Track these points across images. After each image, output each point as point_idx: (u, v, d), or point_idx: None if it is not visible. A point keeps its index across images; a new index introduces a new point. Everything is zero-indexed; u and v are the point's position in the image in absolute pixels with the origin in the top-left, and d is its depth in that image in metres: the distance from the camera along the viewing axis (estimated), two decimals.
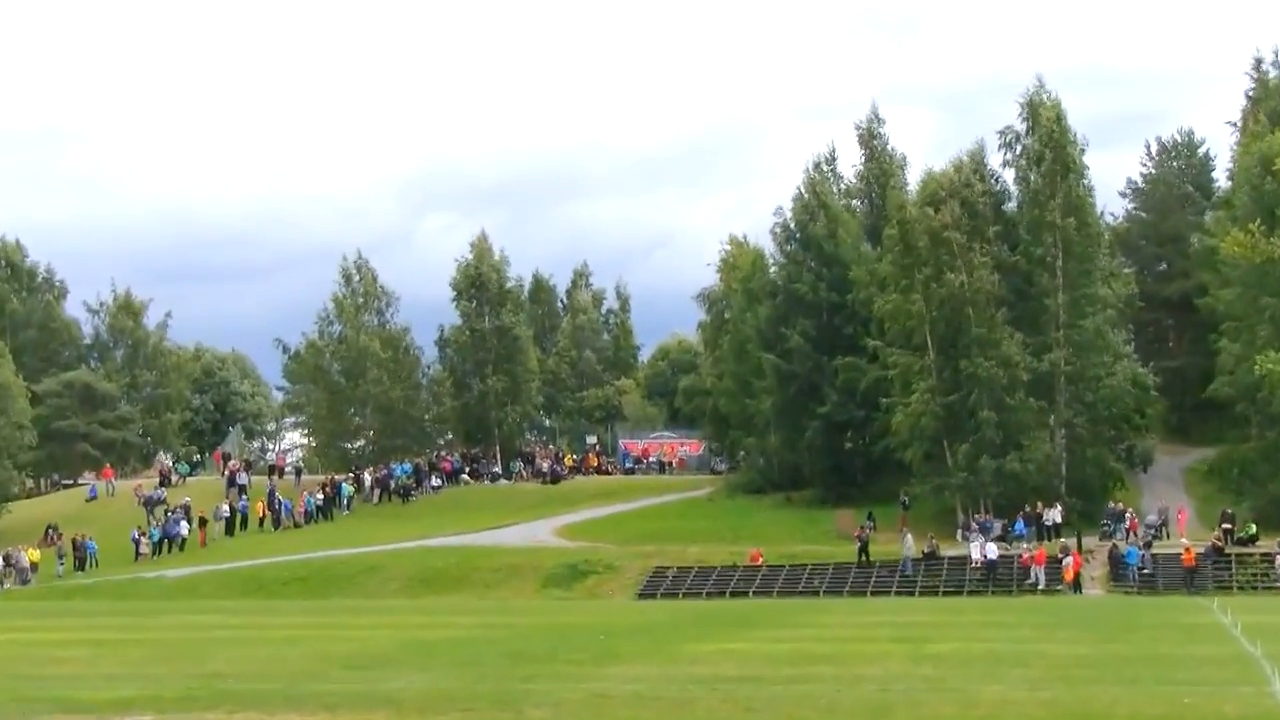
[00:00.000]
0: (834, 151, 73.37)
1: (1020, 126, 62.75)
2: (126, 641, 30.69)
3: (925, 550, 55.33)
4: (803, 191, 70.41)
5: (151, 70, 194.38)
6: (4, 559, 62.13)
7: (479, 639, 30.21)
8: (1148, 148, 79.78)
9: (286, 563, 60.32)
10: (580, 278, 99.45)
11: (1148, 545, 53.56)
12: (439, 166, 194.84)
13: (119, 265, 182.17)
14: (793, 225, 70.35)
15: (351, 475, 75.85)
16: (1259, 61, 70.83)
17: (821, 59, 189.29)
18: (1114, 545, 54.03)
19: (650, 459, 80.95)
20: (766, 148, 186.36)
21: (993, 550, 53.99)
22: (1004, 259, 61.95)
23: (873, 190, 73.37)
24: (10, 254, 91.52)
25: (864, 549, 55.69)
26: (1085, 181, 62.42)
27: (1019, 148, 62.82)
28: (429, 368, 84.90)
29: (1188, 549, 51.71)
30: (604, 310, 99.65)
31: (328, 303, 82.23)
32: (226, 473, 76.39)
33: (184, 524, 66.37)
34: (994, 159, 64.30)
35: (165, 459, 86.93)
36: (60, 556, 63.69)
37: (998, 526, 57.41)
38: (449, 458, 79.38)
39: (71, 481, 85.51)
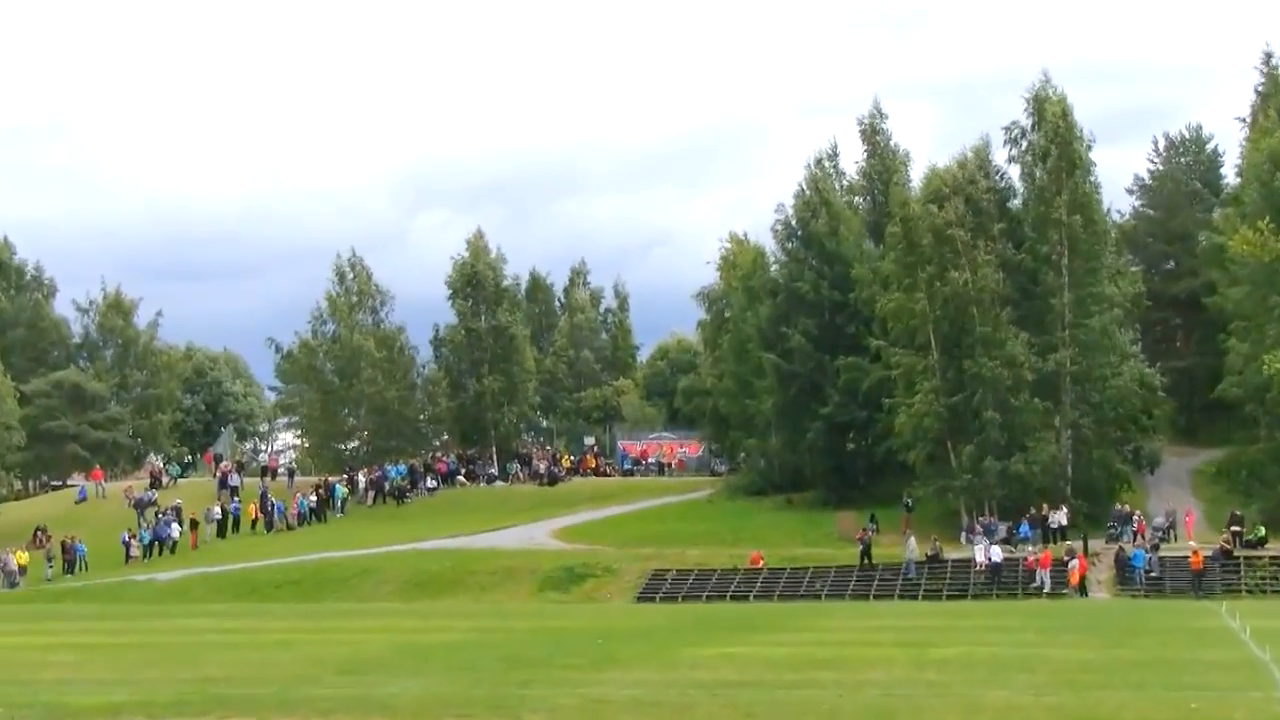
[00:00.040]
0: (836, 147, 73.45)
1: (1026, 122, 62.60)
2: (117, 645, 30.59)
3: (928, 553, 55.00)
4: (804, 188, 70.21)
5: (143, 64, 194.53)
6: None
7: (474, 643, 30.06)
8: (1155, 144, 79.93)
9: (279, 565, 60.08)
10: (578, 276, 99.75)
11: (1155, 548, 53.43)
12: (434, 163, 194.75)
13: (109, 263, 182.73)
14: (794, 222, 70.15)
15: (345, 477, 75.74)
16: (1269, 56, 70.49)
17: (823, 53, 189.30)
18: (1120, 548, 53.74)
19: (649, 460, 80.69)
20: (767, 144, 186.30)
21: (997, 553, 53.73)
22: (1009, 257, 61.77)
23: (875, 187, 73.23)
24: None
25: (866, 552, 55.40)
26: (1092, 178, 62.32)
27: (1024, 143, 62.70)
28: (424, 367, 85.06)
29: (1195, 552, 51.44)
30: (602, 309, 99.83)
31: (321, 301, 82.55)
32: (218, 474, 76.18)
33: (175, 526, 66.10)
34: (999, 155, 64.30)
35: (156, 460, 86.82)
36: (49, 559, 63.31)
37: (1002, 529, 57.19)
38: (444, 459, 79.06)
39: (61, 483, 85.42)
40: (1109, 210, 66.85)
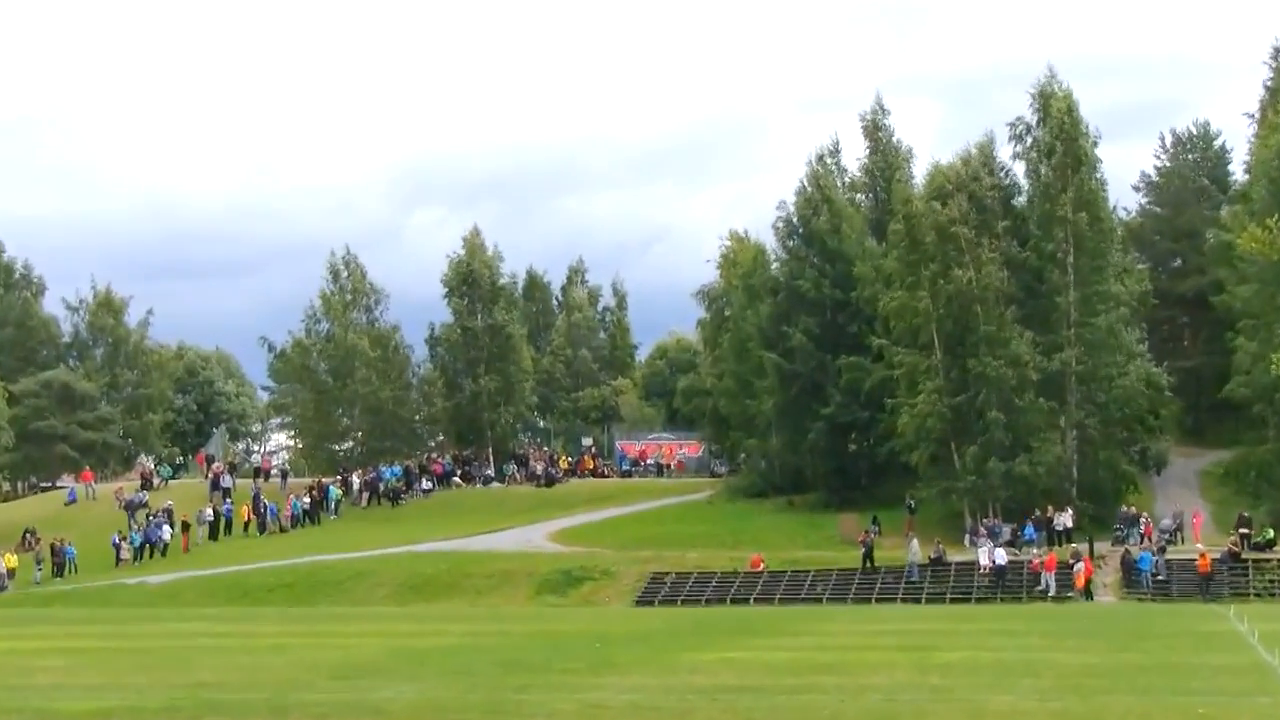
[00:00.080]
0: (837, 144, 73.24)
1: (1031, 118, 62.62)
2: (107, 650, 30.71)
3: (932, 556, 54.87)
4: (805, 185, 70.05)
5: (135, 59, 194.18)
6: None
7: (470, 647, 30.12)
8: (1162, 140, 79.94)
9: (272, 568, 60.03)
10: (575, 274, 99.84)
11: (1161, 550, 53.36)
12: (430, 159, 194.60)
13: (99, 261, 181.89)
14: (795, 220, 70.00)
15: (339, 478, 75.77)
16: (1278, 51, 70.45)
17: (824, 48, 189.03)
18: (1127, 550, 53.59)
19: (648, 461, 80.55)
20: (768, 140, 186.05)
21: (1001, 556, 53.60)
22: (1013, 255, 61.67)
23: (877, 184, 73.13)
24: None
25: (868, 554, 55.29)
26: (1098, 175, 62.29)
27: (1029, 140, 62.74)
28: (419, 367, 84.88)
29: (1203, 554, 51.29)
30: (600, 308, 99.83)
31: (315, 300, 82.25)
32: (210, 475, 76.01)
33: (166, 528, 66.01)
34: (1003, 151, 64.40)
35: (147, 461, 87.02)
36: (38, 562, 63.19)
37: (1007, 531, 57.15)
38: (440, 460, 78.83)
39: (50, 484, 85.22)
40: (1115, 207, 66.99)
